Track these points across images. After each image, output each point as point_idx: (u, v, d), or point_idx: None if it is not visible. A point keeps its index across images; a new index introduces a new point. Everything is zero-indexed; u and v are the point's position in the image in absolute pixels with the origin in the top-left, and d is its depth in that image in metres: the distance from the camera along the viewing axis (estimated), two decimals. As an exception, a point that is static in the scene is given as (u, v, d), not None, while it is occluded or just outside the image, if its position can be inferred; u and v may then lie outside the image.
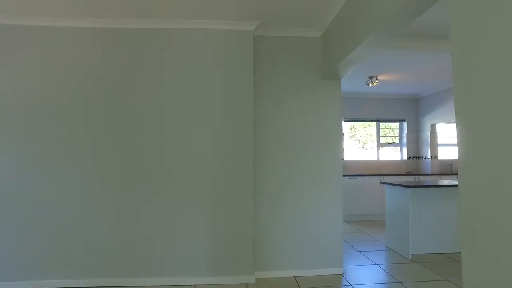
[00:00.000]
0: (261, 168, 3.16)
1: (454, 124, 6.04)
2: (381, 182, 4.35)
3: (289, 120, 3.23)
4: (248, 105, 3.06)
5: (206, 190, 2.99)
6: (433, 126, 6.29)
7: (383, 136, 6.85)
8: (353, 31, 2.58)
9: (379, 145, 6.79)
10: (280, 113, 3.23)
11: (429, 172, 6.19)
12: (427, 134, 6.40)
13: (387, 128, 6.94)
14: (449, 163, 6.51)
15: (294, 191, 3.19)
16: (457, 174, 5.46)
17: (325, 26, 3.17)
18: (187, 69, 3.04)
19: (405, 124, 6.76)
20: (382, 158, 6.75)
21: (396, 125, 6.91)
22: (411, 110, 6.73)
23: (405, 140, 6.75)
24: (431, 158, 6.28)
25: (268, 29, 3.22)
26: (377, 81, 5.07)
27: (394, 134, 6.92)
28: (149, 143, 2.97)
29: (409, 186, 3.70)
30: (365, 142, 7.01)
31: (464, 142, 1.33)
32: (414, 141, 6.70)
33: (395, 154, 6.86)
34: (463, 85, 1.31)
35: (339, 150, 3.31)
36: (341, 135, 3.35)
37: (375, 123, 6.79)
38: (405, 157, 6.72)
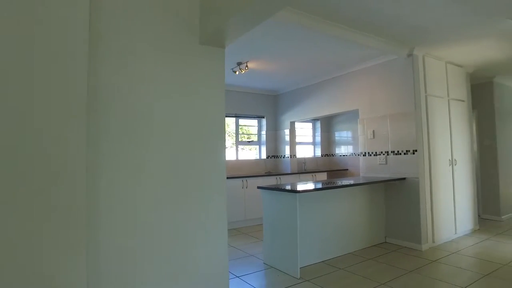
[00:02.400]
0: (102, 174, 1.83)
1: (309, 123, 5.98)
2: (258, 187, 3.64)
3: (148, 99, 2.01)
4: (80, 72, 1.68)
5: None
6: (292, 124, 6.17)
7: (242, 134, 6.31)
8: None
9: (238, 143, 6.21)
10: (133, 87, 1.97)
11: (289, 172, 6.02)
12: (286, 132, 6.24)
13: (245, 126, 6.44)
14: (303, 161, 6.57)
15: (153, 208, 2.00)
16: (312, 172, 5.35)
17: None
18: None
19: (264, 121, 6.43)
20: (240, 157, 6.19)
21: (254, 122, 6.50)
22: (270, 107, 6.46)
23: (264, 138, 6.42)
24: (290, 157, 6.14)
25: None
26: (247, 68, 4.38)
27: (250, 131, 6.48)
28: None
29: (296, 192, 3.09)
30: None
31: None
32: (273, 139, 6.46)
33: (252, 153, 6.43)
34: None
35: (223, 145, 2.33)
36: (224, 125, 2.37)
37: (233, 119, 6.17)
38: (264, 156, 6.39)
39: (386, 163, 4.24)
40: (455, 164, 4.40)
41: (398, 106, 4.09)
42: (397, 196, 4.10)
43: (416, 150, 3.89)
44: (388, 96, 4.20)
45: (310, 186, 3.49)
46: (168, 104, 2.08)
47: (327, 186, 3.38)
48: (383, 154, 4.27)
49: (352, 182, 3.78)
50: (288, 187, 3.33)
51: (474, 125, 5.31)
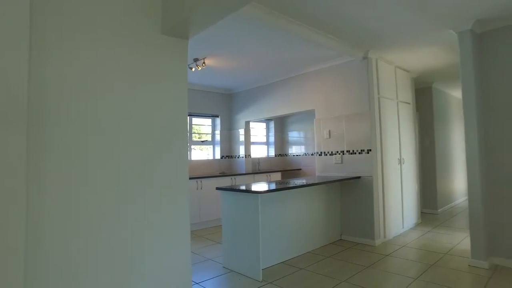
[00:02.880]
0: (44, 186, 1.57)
1: (263, 123, 5.95)
2: (217, 188, 3.49)
3: (102, 94, 1.78)
4: (21, 59, 1.42)
5: None
6: (247, 124, 6.10)
7: (194, 133, 6.09)
8: None
9: (191, 143, 5.98)
10: (85, 81, 1.73)
11: (243, 172, 5.94)
12: (240, 131, 6.14)
13: (198, 125, 6.23)
14: (257, 161, 6.54)
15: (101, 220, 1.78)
16: (266, 172, 5.31)
17: None
18: None
19: (218, 120, 6.27)
20: (194, 157, 5.97)
21: (208, 121, 6.31)
22: (225, 106, 6.32)
23: (218, 138, 6.26)
24: (245, 157, 6.06)
25: None
26: (204, 65, 4.20)
27: (201, 130, 6.28)
28: None
29: (258, 192, 3.01)
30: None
31: None
32: (228, 139, 6.33)
33: (204, 154, 6.23)
34: None
35: (185, 144, 2.17)
36: (186, 122, 2.21)
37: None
38: (218, 156, 6.23)
39: (342, 163, 4.35)
40: (403, 163, 4.67)
41: (353, 107, 4.22)
42: (352, 195, 4.23)
43: (370, 150, 4.05)
44: (344, 97, 4.32)
45: (271, 186, 3.44)
46: (123, 97, 1.86)
47: (290, 186, 3.35)
48: (339, 154, 4.39)
49: (310, 181, 3.81)
50: (250, 188, 3.24)
51: (417, 127, 5.71)
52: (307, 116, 6.46)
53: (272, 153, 7.00)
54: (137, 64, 1.93)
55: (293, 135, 6.94)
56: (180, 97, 2.14)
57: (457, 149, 6.85)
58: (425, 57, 4.35)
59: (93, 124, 1.72)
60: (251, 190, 3.08)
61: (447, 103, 6.60)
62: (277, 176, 6.13)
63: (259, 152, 6.89)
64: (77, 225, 1.63)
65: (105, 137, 1.76)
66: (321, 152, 4.61)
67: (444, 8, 2.95)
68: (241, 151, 6.11)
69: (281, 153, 7.06)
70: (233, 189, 3.27)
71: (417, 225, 4.98)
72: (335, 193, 4.31)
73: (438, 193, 5.84)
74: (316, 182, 3.71)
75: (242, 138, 6.10)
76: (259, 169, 6.42)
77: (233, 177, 5.53)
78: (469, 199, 3.28)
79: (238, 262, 3.23)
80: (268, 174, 5.94)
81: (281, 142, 7.08)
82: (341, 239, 4.29)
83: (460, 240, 4.09)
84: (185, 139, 2.16)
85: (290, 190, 3.60)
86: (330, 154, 4.50)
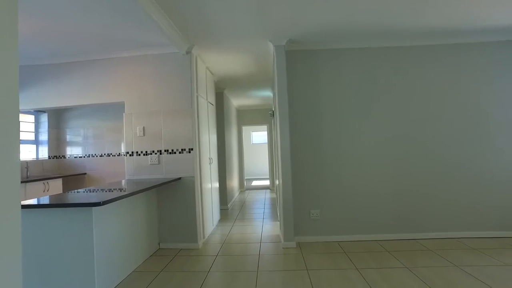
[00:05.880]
0: None
1: (30, 115, 4.51)
2: (25, 206, 2.22)
3: None
4: None
5: None
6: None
7: None
8: None
9: None
10: None
11: None
12: None
13: None
14: (25, 166, 4.80)
15: None
16: (42, 179, 4.08)
17: None
18: None
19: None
20: None
21: None
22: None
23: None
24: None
25: None
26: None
27: None
28: None
29: (91, 205, 2.17)
30: None
31: None
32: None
33: None
34: None
35: (16, 141, 1.23)
36: (18, 111, 1.26)
37: None
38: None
39: (159, 163, 3.92)
40: (211, 163, 4.80)
41: (174, 103, 3.90)
42: (172, 197, 3.89)
43: (192, 149, 3.87)
44: (163, 91, 3.92)
45: (111, 194, 2.57)
46: None
47: (129, 193, 2.62)
48: (156, 154, 3.93)
49: (132, 187, 3.17)
50: (79, 201, 2.28)
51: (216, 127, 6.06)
52: (94, 111, 5.43)
53: (45, 154, 5.36)
54: None
55: (74, 132, 5.61)
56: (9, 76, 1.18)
57: (234, 148, 7.84)
58: (233, 63, 4.68)
59: None
60: (80, 203, 2.17)
61: (229, 108, 7.43)
62: (58, 185, 4.73)
63: (26, 153, 5.10)
64: None
65: None
66: (132, 152, 3.97)
67: (272, 22, 3.26)
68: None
69: (58, 155, 5.54)
70: (49, 205, 2.19)
71: (220, 221, 5.26)
72: (152, 198, 3.82)
73: (227, 190, 6.43)
74: (143, 188, 3.12)
75: None
76: (28, 176, 4.73)
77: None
78: (283, 193, 3.78)
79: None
80: (45, 181, 4.46)
81: (57, 141, 5.56)
82: (160, 249, 3.84)
83: (260, 229, 4.65)
84: (16, 133, 1.22)
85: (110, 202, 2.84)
86: (144, 154, 3.95)
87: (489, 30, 3.72)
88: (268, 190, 9.08)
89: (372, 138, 3.95)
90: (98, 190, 2.94)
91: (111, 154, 5.43)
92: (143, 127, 3.95)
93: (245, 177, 11.41)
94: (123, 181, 3.73)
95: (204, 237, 4.10)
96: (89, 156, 5.54)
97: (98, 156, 5.48)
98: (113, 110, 5.39)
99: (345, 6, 3.00)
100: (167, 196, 3.90)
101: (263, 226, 4.82)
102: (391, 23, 3.43)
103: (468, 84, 3.92)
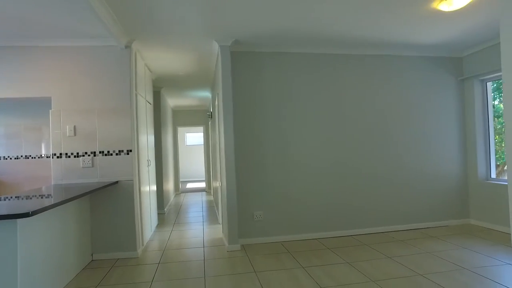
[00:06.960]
0: None
1: None
2: None
3: None
4: None
5: None
6: None
7: None
8: None
9: None
10: None
11: None
12: None
13: None
14: None
15: None
16: None
17: None
18: None
19: None
20: None
21: None
22: None
23: None
24: None
25: None
26: None
27: None
28: None
29: (16, 216, 1.86)
30: None
31: None
32: None
33: None
34: None
35: None
36: None
37: None
38: None
39: (93, 166, 3.57)
40: (149, 165, 4.53)
41: (110, 100, 3.59)
42: (107, 203, 3.57)
43: (131, 150, 3.61)
44: (98, 88, 3.58)
45: (41, 202, 2.22)
46: None
47: (63, 200, 2.30)
48: (89, 155, 3.56)
49: (61, 194, 2.82)
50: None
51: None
52: (10, 105, 4.74)
53: None
54: None
55: (-19, 131, 4.82)
56: None
57: (170, 150, 7.54)
58: (174, 61, 4.48)
59: None
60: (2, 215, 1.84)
61: (166, 108, 7.12)
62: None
63: None
64: None
65: None
66: (60, 154, 3.54)
67: (220, 20, 3.21)
68: None
69: (-42, 158, 4.69)
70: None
71: (158, 226, 4.99)
72: (85, 204, 3.45)
73: (164, 193, 6.15)
74: (79, 193, 2.79)
75: None
76: None
77: None
78: (227, 195, 3.73)
79: None
80: None
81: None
82: (93, 260, 3.49)
83: (201, 232, 4.54)
84: None
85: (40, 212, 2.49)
86: (75, 156, 3.55)
87: (412, 45, 4.18)
88: (204, 193, 8.92)
89: (311, 141, 4.13)
90: (12, 198, 2.55)
91: (29, 156, 4.78)
92: (74, 126, 3.55)
93: (180, 180, 11.07)
94: (45, 187, 3.30)
95: (143, 245, 3.84)
96: (0, 159, 4.80)
97: (13, 158, 4.79)
98: (34, 106, 4.76)
99: (276, 14, 3.08)
100: (102, 202, 3.56)
101: (203, 229, 4.71)
102: (318, 31, 3.63)
103: (394, 93, 4.35)
